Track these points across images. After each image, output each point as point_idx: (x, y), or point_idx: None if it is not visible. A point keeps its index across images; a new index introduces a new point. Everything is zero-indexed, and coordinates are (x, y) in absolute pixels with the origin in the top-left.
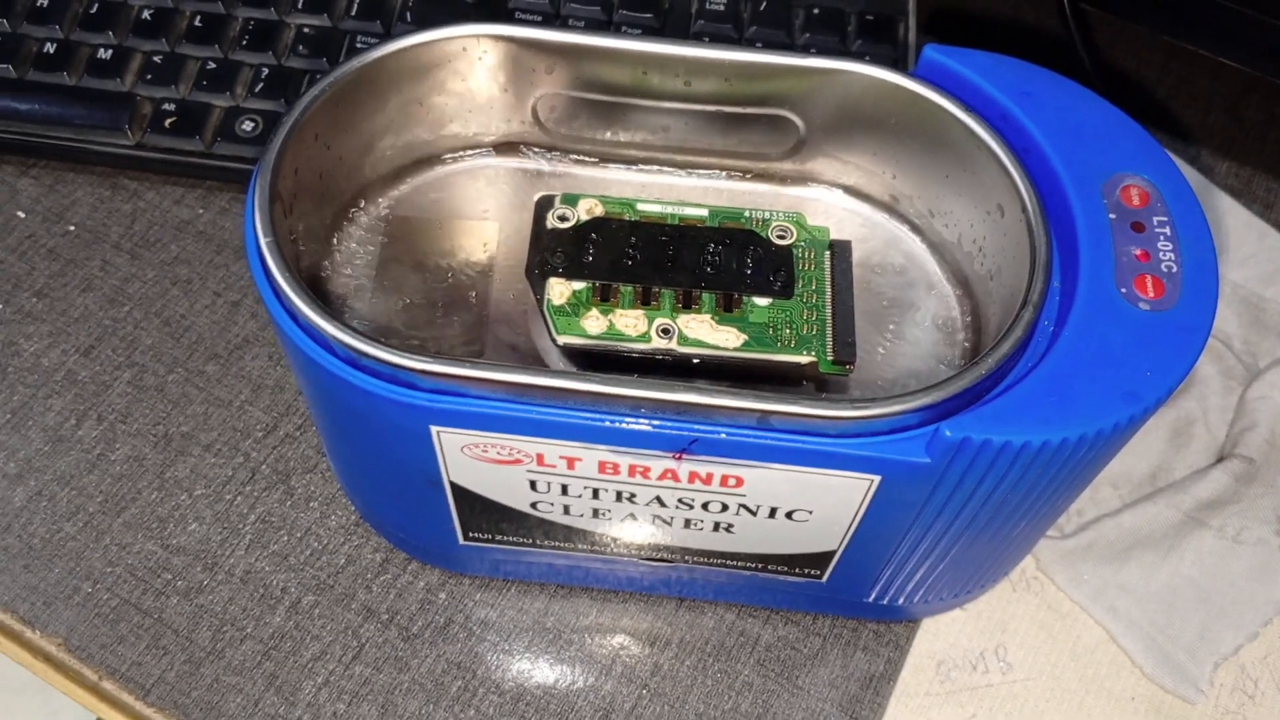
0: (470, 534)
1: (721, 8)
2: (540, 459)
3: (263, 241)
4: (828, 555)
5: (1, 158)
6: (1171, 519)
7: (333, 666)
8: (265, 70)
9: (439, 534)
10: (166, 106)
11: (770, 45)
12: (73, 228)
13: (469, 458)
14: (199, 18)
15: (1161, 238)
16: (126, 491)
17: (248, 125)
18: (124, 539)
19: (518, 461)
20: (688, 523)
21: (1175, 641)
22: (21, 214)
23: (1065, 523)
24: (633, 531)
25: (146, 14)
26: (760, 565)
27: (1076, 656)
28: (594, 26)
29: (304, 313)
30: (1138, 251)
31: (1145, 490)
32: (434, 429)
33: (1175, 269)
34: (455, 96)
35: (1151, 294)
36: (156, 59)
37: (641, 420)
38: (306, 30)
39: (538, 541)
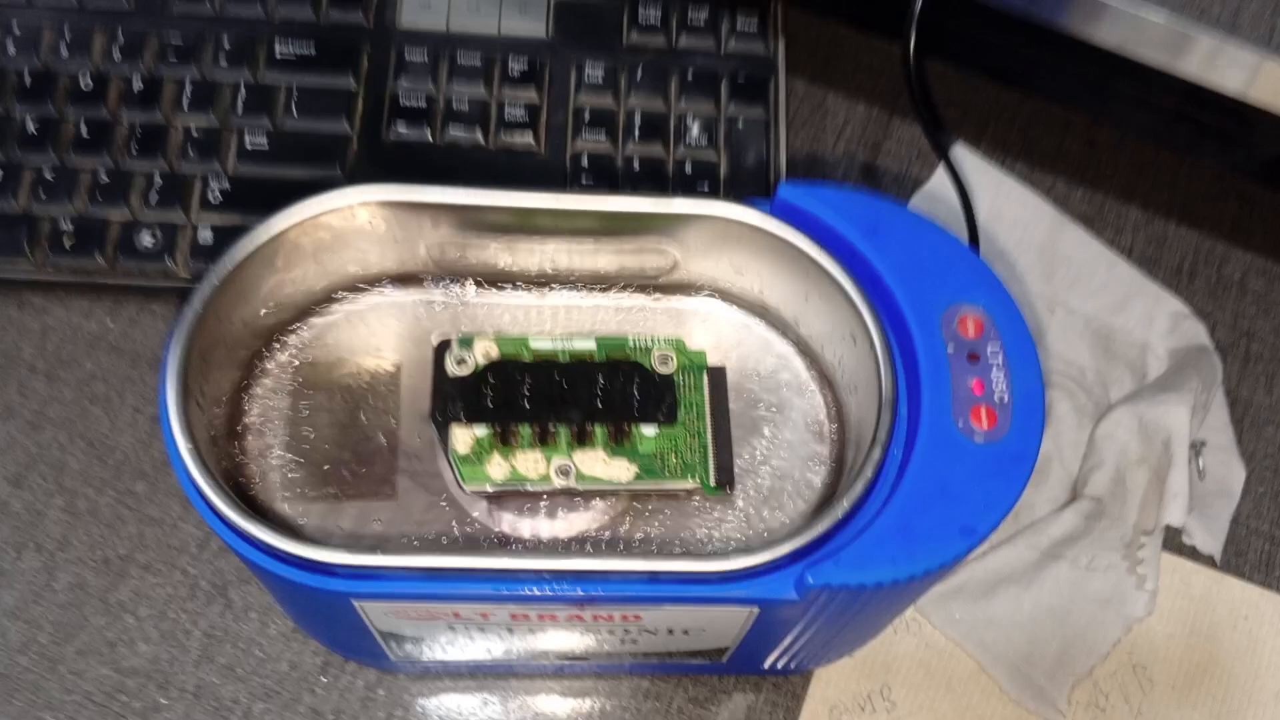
0: (399, 656)
1: (600, 79)
2: (456, 614)
3: (183, 449)
4: (723, 650)
5: None
6: (1030, 557)
7: None
8: (158, 177)
9: (370, 654)
10: (63, 225)
11: (647, 181)
12: None
13: (391, 616)
14: (84, 125)
15: (994, 368)
16: (73, 619)
17: (148, 240)
18: (77, 666)
19: (435, 617)
20: (595, 641)
21: (1037, 667)
22: None
23: None
24: (547, 646)
25: (31, 126)
26: (666, 657)
27: (952, 688)
28: (477, 109)
29: (226, 516)
30: (973, 382)
31: (1009, 530)
32: (355, 602)
33: (1007, 398)
34: (347, 250)
35: (985, 425)
36: (47, 173)
37: (544, 588)
38: (194, 132)
39: (461, 658)
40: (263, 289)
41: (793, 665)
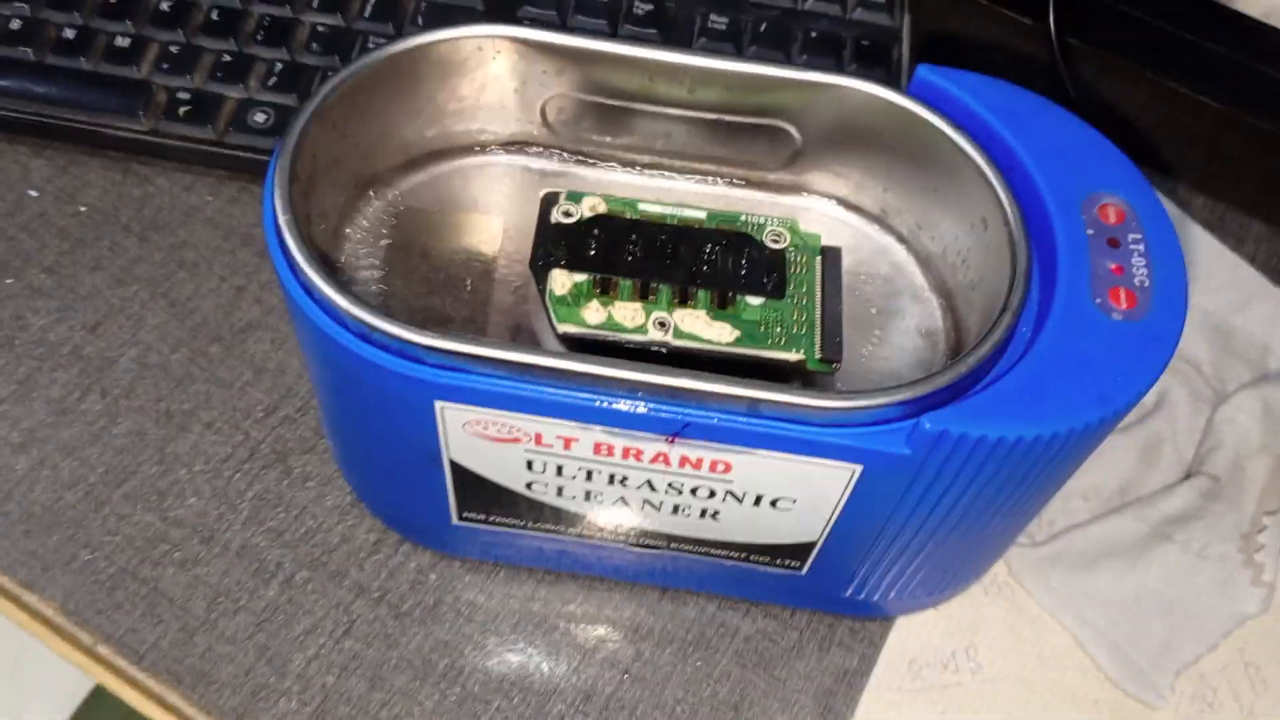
0: (465, 514)
1: (724, 27)
2: (539, 439)
3: (281, 218)
4: (808, 546)
5: (16, 138)
6: (1139, 531)
7: (323, 640)
8: (279, 65)
9: (433, 513)
10: (181, 95)
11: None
12: (83, 209)
13: (469, 435)
14: (216, 11)
15: (1135, 254)
16: (127, 464)
17: (260, 117)
18: (123, 510)
19: (516, 440)
20: (676, 508)
21: (1139, 649)
22: (34, 193)
23: (1036, 531)
24: (622, 516)
25: (165, 5)
26: (743, 555)
27: (1044, 660)
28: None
29: (318, 286)
30: (1113, 265)
31: (1115, 503)
32: (438, 404)
33: (1148, 283)
34: (468, 94)
35: (1124, 305)
36: (173, 49)
37: (638, 403)
38: (320, 28)
39: (529, 524)
40: (381, 115)
41: (876, 596)
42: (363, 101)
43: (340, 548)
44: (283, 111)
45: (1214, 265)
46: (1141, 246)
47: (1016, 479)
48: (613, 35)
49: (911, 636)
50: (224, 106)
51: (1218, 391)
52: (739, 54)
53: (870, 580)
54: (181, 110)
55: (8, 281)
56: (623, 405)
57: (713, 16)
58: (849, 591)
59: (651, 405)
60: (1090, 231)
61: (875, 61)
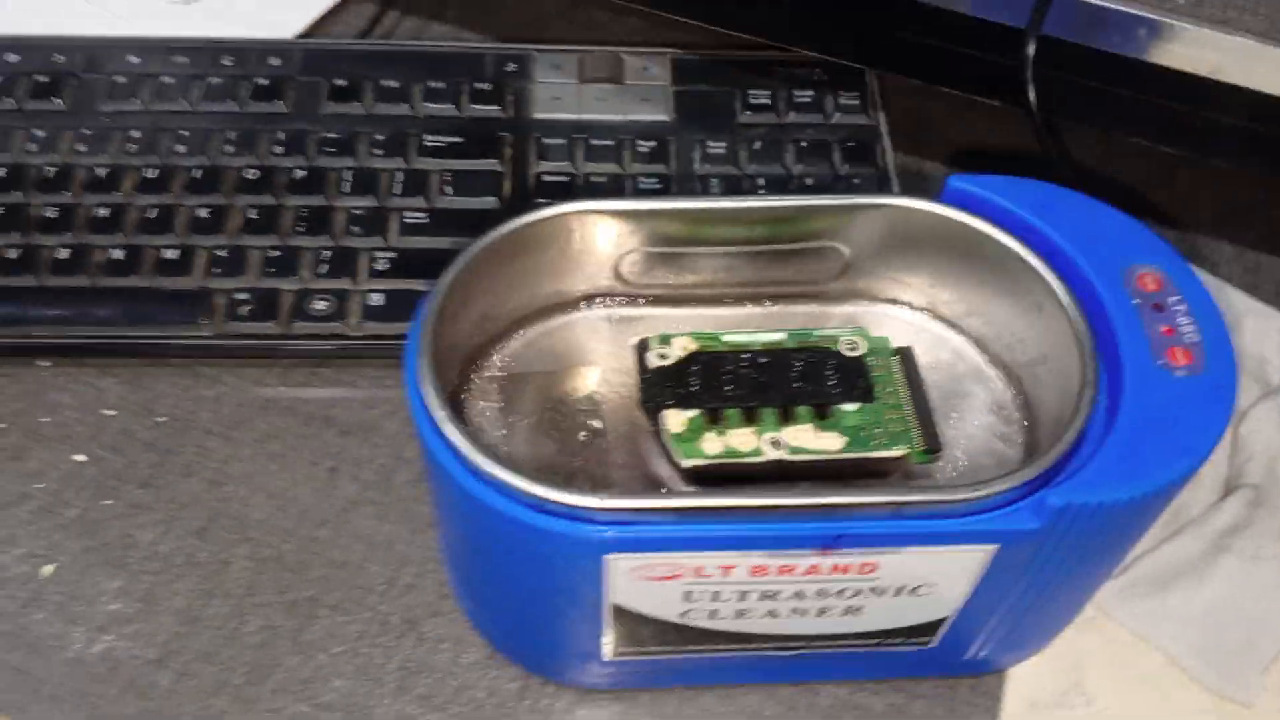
0: (618, 650)
1: (722, 150)
2: (699, 571)
3: (438, 416)
4: (940, 622)
5: (83, 361)
6: (1199, 548)
7: None
8: (326, 252)
9: (584, 654)
10: (239, 296)
11: (778, 184)
12: (162, 419)
13: (632, 579)
14: (253, 210)
15: (1180, 314)
16: (266, 660)
17: (321, 304)
18: (274, 704)
19: (677, 576)
20: (822, 610)
21: (1225, 655)
22: (110, 411)
23: None
24: (770, 625)
25: (203, 212)
26: (877, 641)
27: (1145, 681)
28: (613, 181)
29: (491, 471)
30: (1163, 328)
31: (1171, 527)
32: (607, 557)
33: (1197, 339)
34: (554, 262)
35: (1184, 362)
36: (221, 253)
37: (794, 525)
38: (356, 211)
39: (679, 648)
40: (482, 296)
41: (992, 654)
42: (466, 288)
43: (488, 701)
44: (340, 296)
45: None
46: (1184, 307)
47: (1123, 531)
48: (619, 181)
49: (1025, 682)
50: (282, 300)
51: (1236, 408)
52: (739, 172)
53: (991, 641)
54: (242, 310)
55: (107, 503)
56: (781, 530)
57: (709, 143)
58: (969, 654)
59: (807, 525)
60: (1136, 300)
61: (863, 161)
